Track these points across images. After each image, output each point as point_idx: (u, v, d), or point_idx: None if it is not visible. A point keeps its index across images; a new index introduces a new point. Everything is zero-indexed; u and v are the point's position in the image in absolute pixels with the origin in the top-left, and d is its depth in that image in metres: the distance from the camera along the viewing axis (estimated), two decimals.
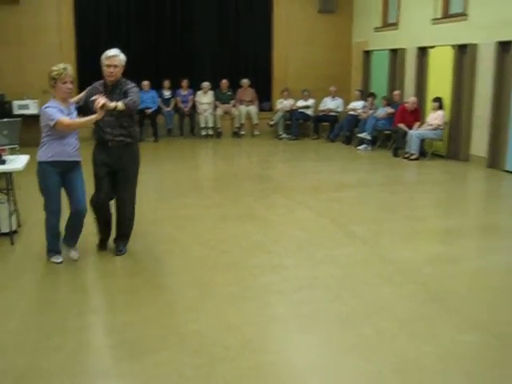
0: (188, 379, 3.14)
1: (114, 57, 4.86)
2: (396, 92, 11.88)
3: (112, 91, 4.88)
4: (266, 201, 7.36)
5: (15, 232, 5.85)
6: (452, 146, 10.57)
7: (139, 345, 3.52)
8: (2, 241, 5.67)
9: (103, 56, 4.90)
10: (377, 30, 13.20)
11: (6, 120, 6.79)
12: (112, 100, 4.70)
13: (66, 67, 4.76)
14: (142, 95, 13.13)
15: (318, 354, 3.44)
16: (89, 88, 5.12)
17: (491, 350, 3.50)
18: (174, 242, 5.58)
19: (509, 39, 9.08)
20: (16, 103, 12.06)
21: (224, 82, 13.62)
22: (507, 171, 9.15)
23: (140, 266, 4.97)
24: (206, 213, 6.65)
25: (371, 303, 4.17)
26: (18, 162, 5.89)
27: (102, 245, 5.34)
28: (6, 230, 5.87)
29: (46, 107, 4.76)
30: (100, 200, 5.06)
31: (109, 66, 4.82)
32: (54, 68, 4.76)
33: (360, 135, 11.77)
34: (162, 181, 8.74)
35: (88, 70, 13.11)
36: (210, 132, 13.38)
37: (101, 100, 4.51)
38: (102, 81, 5.01)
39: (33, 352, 3.44)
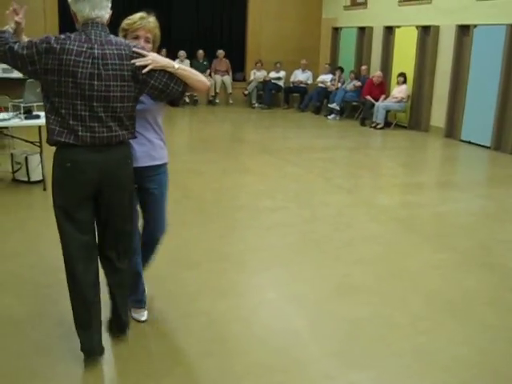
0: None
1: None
2: (363, 67, 12.98)
3: None
4: (257, 159, 8.37)
5: (42, 180, 6.62)
6: (414, 117, 11.78)
7: (191, 259, 4.51)
8: (34, 188, 6.47)
9: None
10: (346, 8, 14.22)
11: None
12: None
13: (145, 17, 3.18)
14: None
15: (331, 266, 4.50)
16: None
17: (457, 262, 4.66)
18: (188, 189, 6.53)
19: (467, 23, 10.23)
20: (0, 66, 12.46)
21: (200, 52, 14.43)
22: (462, 140, 10.39)
23: None
24: (207, 167, 7.61)
25: (364, 233, 5.28)
26: None
27: None
28: (36, 178, 6.71)
29: None
30: None
31: None
32: (128, 18, 3.20)
33: (330, 106, 12.86)
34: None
35: None
36: (187, 100, 14.20)
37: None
38: None
39: None
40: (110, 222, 3.00)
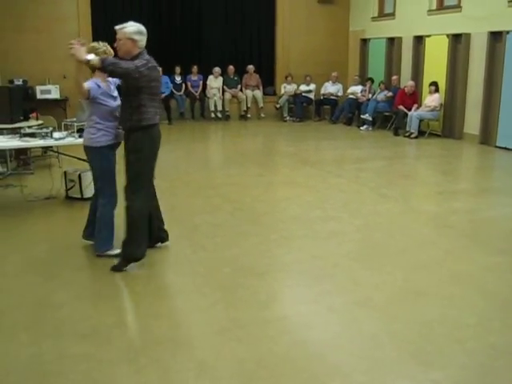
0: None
1: (119, 29, 4.45)
2: (394, 77, 13.10)
3: None
4: (299, 171, 8.51)
5: None
6: (447, 125, 11.85)
7: (256, 268, 4.66)
8: (87, 204, 6.65)
9: None
10: (374, 19, 14.38)
11: None
12: None
13: (107, 45, 4.71)
14: None
15: (391, 271, 4.61)
16: None
17: None
18: (239, 202, 6.68)
19: (499, 29, 10.32)
20: (39, 88, 12.81)
21: (231, 67, 14.65)
22: (498, 147, 10.44)
23: (221, 218, 6.03)
24: (254, 180, 7.77)
25: (418, 239, 5.39)
26: None
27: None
28: (89, 195, 6.92)
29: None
30: None
31: (114, 40, 4.49)
32: (97, 45, 4.66)
33: (363, 116, 12.98)
34: (198, 157, 9.80)
35: None
36: (219, 115, 14.42)
37: (74, 48, 4.18)
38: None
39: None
40: None
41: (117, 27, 4.47)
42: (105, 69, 4.24)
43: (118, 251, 4.70)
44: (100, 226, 4.82)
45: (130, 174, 4.50)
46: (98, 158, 4.72)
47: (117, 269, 4.54)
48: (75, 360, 3.27)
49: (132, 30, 4.43)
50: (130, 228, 4.53)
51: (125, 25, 4.46)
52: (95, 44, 4.72)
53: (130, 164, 4.48)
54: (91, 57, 4.24)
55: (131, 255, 4.56)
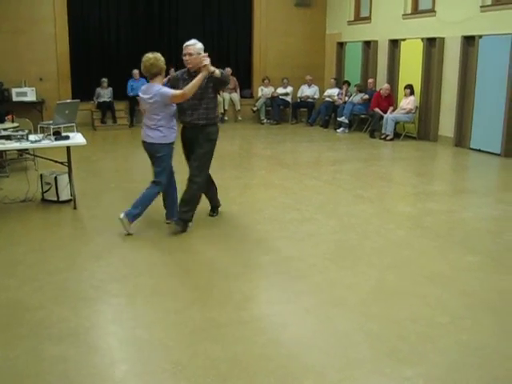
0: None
1: (188, 46, 5.33)
2: (370, 80, 13.23)
3: (195, 77, 5.24)
4: (275, 173, 8.57)
5: (71, 200, 6.79)
6: (422, 127, 12.01)
7: (231, 269, 4.69)
8: (63, 207, 6.65)
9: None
10: (350, 23, 14.51)
11: (68, 101, 7.78)
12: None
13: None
14: (133, 83, 14.14)
15: (366, 272, 4.68)
16: (168, 77, 5.89)
17: (488, 265, 4.86)
18: None
19: (473, 34, 10.48)
20: (14, 90, 12.71)
21: None
22: (472, 149, 10.60)
23: (197, 220, 6.03)
24: (231, 182, 7.80)
25: (392, 240, 5.47)
26: (78, 138, 6.89)
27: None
28: (65, 198, 6.90)
29: (160, 88, 5.32)
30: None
31: (184, 54, 5.35)
32: (159, 57, 5.37)
33: (339, 119, 13.09)
34: (174, 159, 9.76)
35: (80, 59, 14.03)
36: None
37: (206, 60, 5.10)
38: (186, 69, 5.49)
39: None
40: None
41: (187, 43, 5.35)
42: (222, 79, 5.31)
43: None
44: (140, 202, 5.44)
45: (201, 157, 5.56)
46: (169, 151, 5.53)
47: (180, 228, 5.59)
48: (52, 362, 3.27)
49: (200, 46, 5.38)
50: (192, 198, 5.57)
51: (193, 42, 5.37)
52: (156, 55, 5.37)
53: (202, 150, 5.54)
54: (215, 69, 5.18)
55: (188, 219, 5.60)
